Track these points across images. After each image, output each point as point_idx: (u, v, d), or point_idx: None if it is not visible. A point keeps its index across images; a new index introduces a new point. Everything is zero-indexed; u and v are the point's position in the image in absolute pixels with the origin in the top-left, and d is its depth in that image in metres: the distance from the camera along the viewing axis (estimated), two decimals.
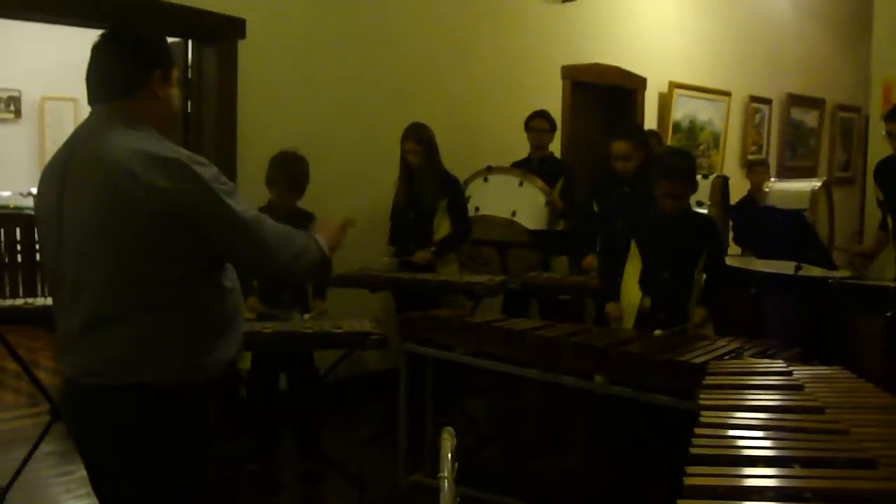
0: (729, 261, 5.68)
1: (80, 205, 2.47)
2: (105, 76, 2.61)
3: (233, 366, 2.75)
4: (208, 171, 2.51)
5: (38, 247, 8.81)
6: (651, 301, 4.53)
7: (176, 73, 2.74)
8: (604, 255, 5.27)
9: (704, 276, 4.56)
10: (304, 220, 4.29)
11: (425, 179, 5.96)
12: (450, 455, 1.85)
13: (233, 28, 5.82)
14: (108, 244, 2.44)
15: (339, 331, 4.54)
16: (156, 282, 2.47)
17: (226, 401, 5.06)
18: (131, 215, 2.40)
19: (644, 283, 4.59)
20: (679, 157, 4.75)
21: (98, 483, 2.67)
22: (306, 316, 4.90)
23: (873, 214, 5.90)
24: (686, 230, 4.51)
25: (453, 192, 6.10)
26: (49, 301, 4.79)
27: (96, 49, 2.63)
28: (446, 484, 1.76)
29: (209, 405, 2.65)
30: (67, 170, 2.53)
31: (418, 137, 5.94)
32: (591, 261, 6.14)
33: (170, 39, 5.80)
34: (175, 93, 2.72)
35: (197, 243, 2.51)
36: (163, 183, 2.41)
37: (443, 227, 6.05)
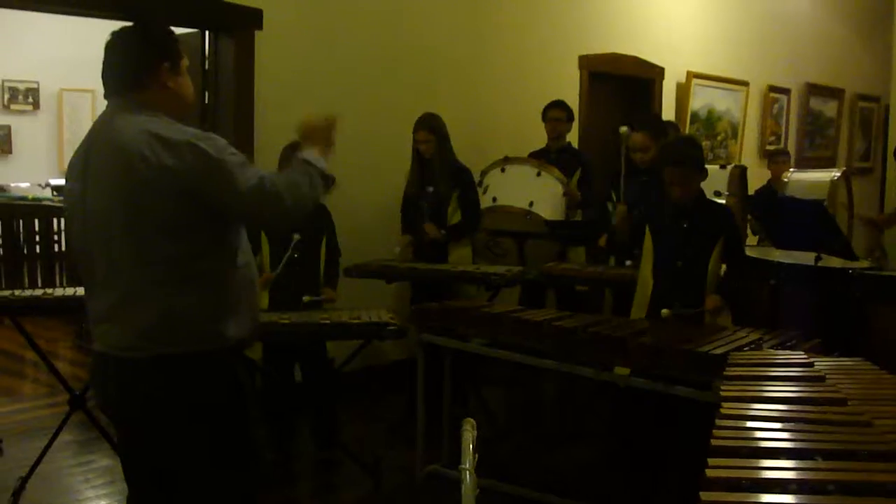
0: (748, 251, 5.66)
1: (100, 191, 2.63)
2: (117, 71, 2.76)
3: (251, 335, 2.87)
4: (215, 144, 2.64)
5: (63, 237, 8.90)
6: (665, 289, 4.50)
7: (185, 63, 2.88)
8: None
9: (724, 266, 4.54)
10: (317, 211, 4.27)
11: (438, 169, 5.97)
12: (471, 446, 1.84)
13: (250, 18, 5.83)
14: (129, 226, 2.58)
15: (356, 321, 4.55)
16: (177, 257, 2.61)
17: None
18: (147, 196, 2.56)
19: (656, 271, 4.57)
20: (685, 145, 4.73)
21: (130, 454, 2.83)
22: (305, 298, 4.91)
23: (893, 202, 5.87)
24: (698, 218, 4.48)
25: (465, 182, 6.10)
26: (67, 291, 4.88)
27: (108, 46, 2.78)
28: (468, 476, 1.76)
29: (235, 371, 2.79)
30: (88, 161, 2.70)
31: (430, 127, 5.94)
32: (605, 240, 6.12)
33: (187, 30, 5.88)
34: (185, 82, 2.86)
35: (213, 218, 2.66)
36: (171, 162, 2.56)
37: (455, 218, 6.06)
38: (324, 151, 2.95)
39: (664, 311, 4.16)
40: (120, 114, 2.69)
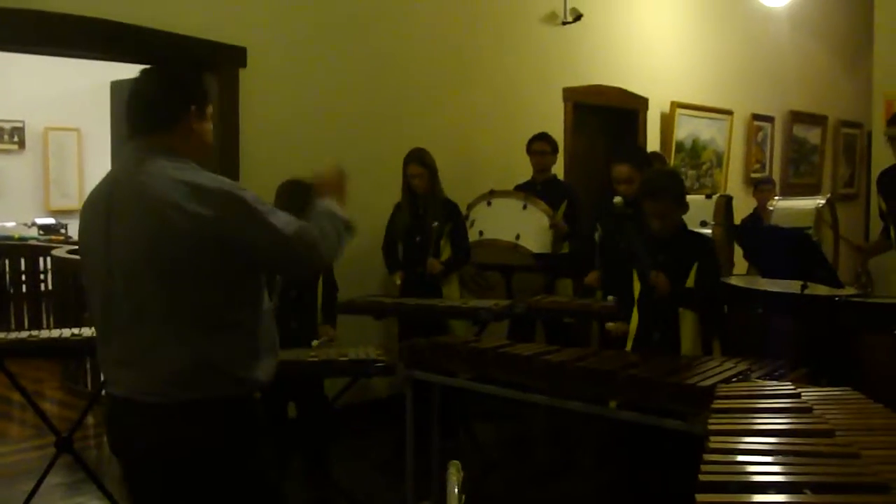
0: (734, 280, 5.67)
1: (128, 236, 2.59)
2: (144, 110, 2.74)
3: (273, 377, 2.87)
4: (249, 194, 2.65)
5: (49, 276, 8.85)
6: (645, 322, 4.50)
7: (210, 109, 2.86)
8: (609, 276, 5.24)
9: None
10: None
11: (430, 203, 5.98)
12: (456, 489, 1.83)
13: (234, 57, 5.85)
14: (159, 273, 2.56)
15: (344, 359, 4.54)
16: (210, 305, 2.62)
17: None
18: (179, 244, 2.54)
19: (640, 305, 4.57)
20: (664, 177, 4.72)
21: (147, 499, 2.78)
22: (314, 343, 4.90)
23: (877, 230, 5.90)
24: (677, 250, 4.48)
25: (455, 216, 6.13)
26: (54, 333, 4.84)
27: (136, 84, 2.78)
28: None
29: (257, 419, 2.80)
30: (112, 203, 2.65)
31: (422, 161, 5.97)
32: (592, 278, 6.14)
33: None
34: (209, 127, 2.85)
35: (244, 266, 2.67)
36: (207, 212, 2.54)
37: (444, 253, 6.08)
38: (341, 201, 2.98)
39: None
40: (146, 157, 2.65)
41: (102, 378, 2.80)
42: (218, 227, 2.55)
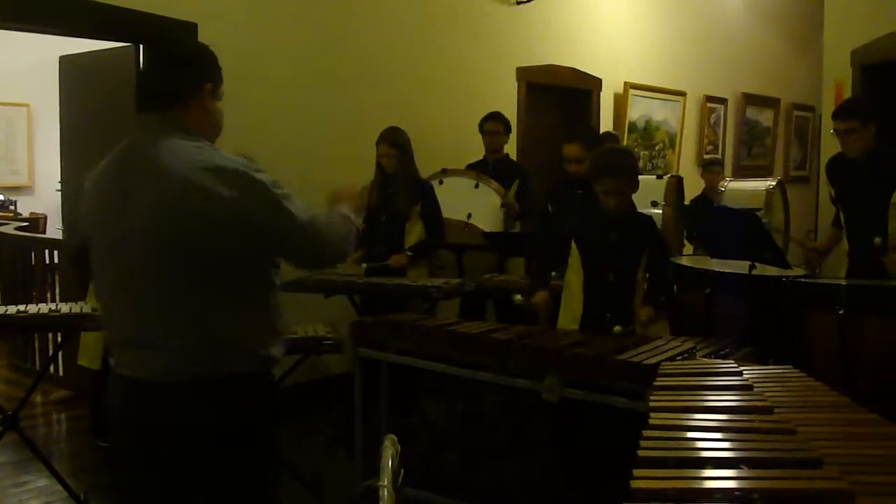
0: (684, 261, 5.70)
1: (147, 215, 2.56)
2: (159, 85, 2.73)
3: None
4: (266, 177, 2.64)
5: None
6: (595, 301, 4.52)
7: (222, 90, 2.85)
8: (541, 257, 5.20)
9: (648, 275, 4.57)
10: None
11: (400, 183, 5.97)
12: (391, 463, 1.83)
13: (185, 32, 5.78)
14: (179, 251, 2.55)
15: (293, 336, 4.52)
16: (224, 283, 2.62)
17: None
18: (200, 224, 2.53)
19: (586, 283, 4.58)
20: (620, 155, 4.74)
21: (149, 480, 2.74)
22: None
23: (828, 212, 5.95)
24: (626, 230, 4.50)
25: (427, 198, 6.12)
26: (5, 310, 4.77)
27: (152, 58, 2.79)
28: (386, 493, 1.74)
29: (267, 398, 2.80)
30: (128, 180, 2.62)
31: (392, 141, 5.97)
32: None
33: (121, 45, 5.83)
34: (220, 108, 2.84)
35: (261, 247, 2.68)
36: (228, 193, 2.53)
37: (414, 232, 6.07)
38: (352, 212, 3.04)
39: (616, 328, 4.17)
40: (162, 135, 2.63)
41: (113, 360, 2.72)
42: (237, 208, 2.54)
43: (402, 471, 1.89)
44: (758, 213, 6.67)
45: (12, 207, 10.62)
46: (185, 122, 2.68)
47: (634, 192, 4.59)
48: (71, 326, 4.77)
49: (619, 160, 4.59)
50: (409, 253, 6.01)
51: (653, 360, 3.43)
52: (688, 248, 7.13)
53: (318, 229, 2.74)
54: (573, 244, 4.63)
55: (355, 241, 3.01)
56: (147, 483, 2.76)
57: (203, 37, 5.82)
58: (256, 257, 2.69)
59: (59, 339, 5.44)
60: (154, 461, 2.69)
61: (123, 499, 2.99)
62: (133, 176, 2.61)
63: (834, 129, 5.31)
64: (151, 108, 2.70)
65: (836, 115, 5.32)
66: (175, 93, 2.69)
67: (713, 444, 2.07)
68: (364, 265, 5.99)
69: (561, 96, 9.14)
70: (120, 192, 2.61)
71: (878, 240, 5.14)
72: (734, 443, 2.08)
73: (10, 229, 8.06)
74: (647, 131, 10.25)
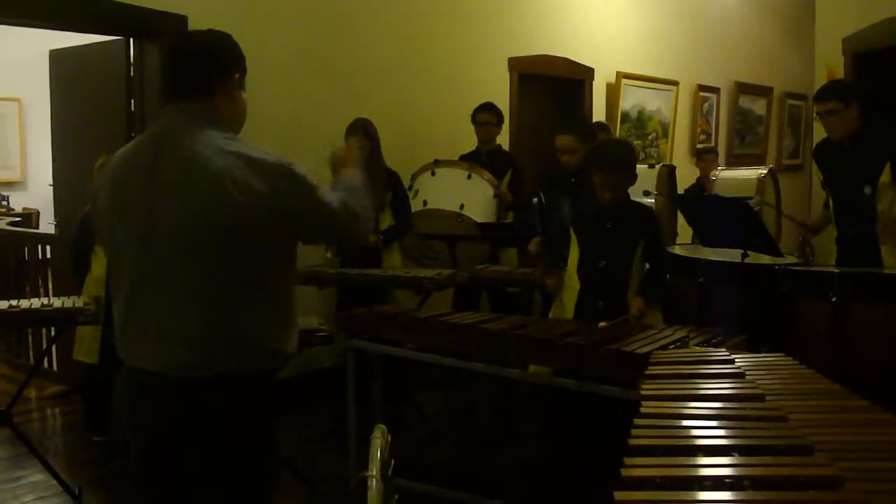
0: (677, 250, 5.71)
1: (176, 205, 2.54)
2: (191, 75, 2.70)
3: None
4: (298, 167, 2.66)
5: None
6: (589, 290, 4.54)
7: (246, 81, 2.84)
8: (546, 246, 5.28)
9: (647, 265, 4.59)
10: None
11: (374, 174, 5.97)
12: (379, 453, 1.83)
13: (175, 25, 5.77)
14: (211, 245, 2.54)
15: None
16: (259, 278, 2.63)
17: None
18: (233, 217, 2.52)
19: (580, 271, 4.60)
20: (617, 148, 4.76)
21: (158, 474, 2.72)
22: None
23: (820, 200, 5.95)
24: (622, 220, 4.53)
25: (396, 186, 6.19)
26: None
27: (180, 47, 2.77)
28: (374, 483, 1.74)
29: (275, 394, 2.82)
30: (157, 168, 2.59)
31: (366, 132, 5.97)
32: (535, 245, 6.15)
33: (111, 38, 5.81)
34: (245, 98, 2.84)
35: (292, 238, 2.72)
36: (262, 184, 2.54)
37: (385, 222, 6.11)
38: (358, 174, 3.04)
39: (602, 324, 4.18)
40: (191, 125, 2.63)
41: (125, 352, 2.68)
42: (272, 200, 2.54)
43: (393, 461, 1.88)
44: (749, 201, 6.67)
45: (5, 203, 10.61)
46: (216, 113, 2.69)
47: (632, 184, 4.62)
48: (64, 321, 4.75)
49: (613, 153, 4.60)
50: (380, 236, 6.05)
51: (645, 349, 3.43)
52: (685, 238, 7.13)
53: (351, 210, 2.76)
54: (572, 232, 4.66)
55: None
56: (156, 476, 2.74)
57: (193, 29, 5.80)
58: (284, 249, 2.70)
59: (53, 333, 5.42)
60: (165, 454, 2.67)
61: (131, 490, 2.97)
62: (163, 167, 2.58)
63: (816, 112, 5.32)
64: (182, 98, 2.69)
65: (818, 97, 5.32)
66: (206, 82, 2.69)
67: (704, 432, 2.07)
68: (333, 257, 6.06)
69: (553, 86, 9.13)
70: (149, 185, 2.58)
71: (868, 189, 5.13)
72: (726, 430, 2.08)
73: (2, 224, 8.06)
74: (640, 121, 10.25)
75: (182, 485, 2.68)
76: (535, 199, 6.10)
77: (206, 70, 2.70)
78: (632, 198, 4.71)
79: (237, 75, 2.76)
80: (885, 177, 5.06)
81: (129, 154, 2.71)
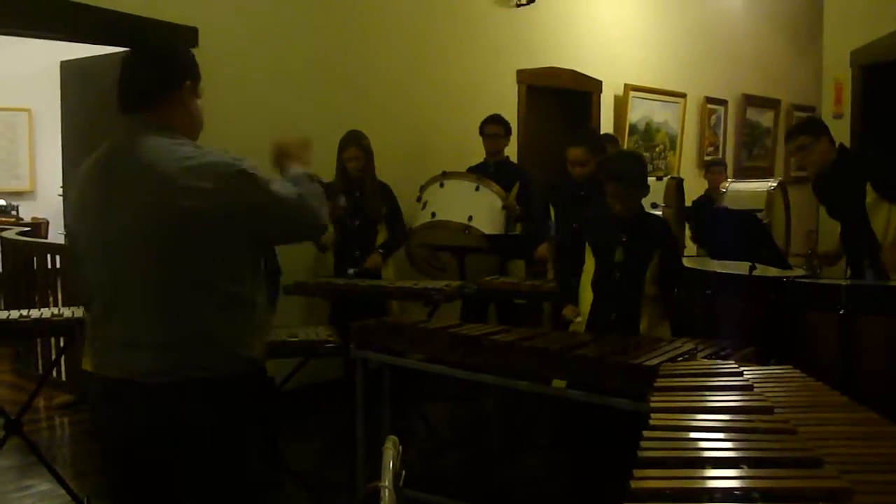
0: (686, 262, 5.72)
1: (130, 213, 2.56)
2: (139, 86, 2.74)
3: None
4: (248, 164, 2.63)
5: None
6: (602, 301, 4.55)
7: (202, 88, 2.85)
8: (560, 259, 5.29)
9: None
10: None
11: (369, 187, 6.01)
12: (391, 464, 1.83)
13: (185, 37, 5.79)
14: (165, 249, 2.54)
15: (294, 339, 4.52)
16: (212, 281, 2.60)
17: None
18: (184, 220, 2.51)
19: (595, 283, 4.61)
20: (629, 160, 4.77)
21: (134, 483, 2.71)
22: None
23: (827, 220, 5.96)
24: (637, 232, 4.53)
25: (391, 199, 6.24)
26: (2, 315, 4.79)
27: (129, 61, 2.78)
28: (387, 494, 1.75)
29: (254, 398, 2.79)
30: (111, 178, 2.61)
31: (360, 144, 6.00)
32: (543, 251, 6.15)
33: (122, 49, 5.82)
34: (199, 106, 2.84)
35: (252, 238, 2.69)
36: (211, 185, 2.53)
37: (381, 234, 6.18)
38: (308, 166, 2.98)
39: None
40: (144, 133, 2.64)
41: (95, 361, 2.70)
42: (224, 200, 2.54)
43: (404, 472, 1.89)
44: (758, 213, 6.67)
45: (14, 212, 10.62)
46: (168, 121, 2.70)
47: (644, 196, 4.64)
48: (73, 331, 4.76)
49: (626, 165, 4.62)
50: (380, 251, 6.09)
51: (654, 362, 3.43)
52: (690, 250, 7.13)
53: (307, 200, 2.74)
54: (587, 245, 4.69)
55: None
56: (132, 485, 2.74)
57: (204, 41, 5.85)
58: (242, 251, 2.67)
59: (62, 343, 5.44)
60: (139, 463, 2.66)
61: (111, 501, 2.96)
62: (117, 177, 2.60)
63: (787, 151, 5.39)
64: (133, 109, 2.72)
65: (787, 137, 5.46)
66: (155, 92, 2.71)
67: (714, 444, 2.08)
68: (351, 271, 6.02)
69: (561, 99, 9.13)
70: (105, 195, 2.61)
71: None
72: (735, 443, 2.09)
73: (12, 234, 8.07)
74: (647, 133, 10.25)
75: (159, 493, 2.67)
76: (551, 233, 6.07)
77: (155, 80, 2.72)
78: None
79: (188, 82, 2.77)
80: (870, 196, 5.10)
81: (85, 169, 2.74)
